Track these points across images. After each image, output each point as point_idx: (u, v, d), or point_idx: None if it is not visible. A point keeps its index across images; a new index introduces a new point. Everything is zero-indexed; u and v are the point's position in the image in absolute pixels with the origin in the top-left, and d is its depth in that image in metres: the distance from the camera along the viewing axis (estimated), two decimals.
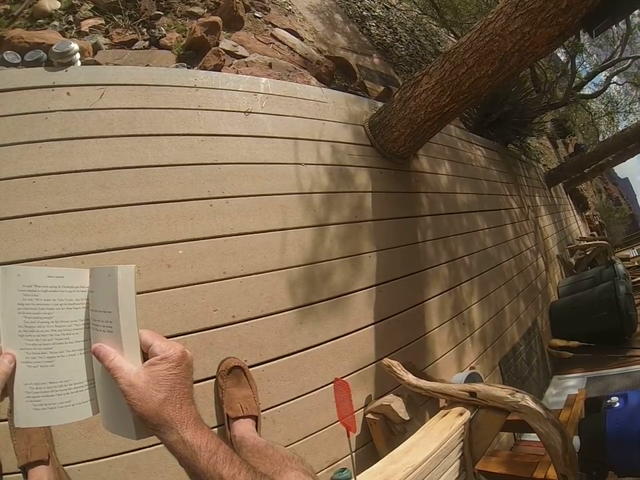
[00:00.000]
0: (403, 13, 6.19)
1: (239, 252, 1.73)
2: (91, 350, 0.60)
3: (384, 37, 4.99)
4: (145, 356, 0.61)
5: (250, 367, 1.60)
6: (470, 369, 2.49)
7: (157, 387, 0.57)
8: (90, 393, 0.62)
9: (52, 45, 2.28)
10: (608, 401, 2.16)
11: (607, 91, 8.98)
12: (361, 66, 3.81)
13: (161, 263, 1.57)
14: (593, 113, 9.90)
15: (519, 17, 1.89)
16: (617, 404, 2.12)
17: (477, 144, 4.28)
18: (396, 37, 5.32)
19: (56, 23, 2.93)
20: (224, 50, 2.57)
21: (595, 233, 10.93)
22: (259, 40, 2.98)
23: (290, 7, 4.03)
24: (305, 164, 2.10)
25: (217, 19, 2.70)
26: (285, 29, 3.34)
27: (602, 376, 3.40)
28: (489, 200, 4.00)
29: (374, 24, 5.11)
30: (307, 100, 2.32)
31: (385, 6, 5.86)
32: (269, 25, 3.30)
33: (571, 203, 9.44)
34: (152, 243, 1.59)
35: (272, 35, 3.16)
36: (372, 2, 5.60)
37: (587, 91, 8.83)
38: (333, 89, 2.73)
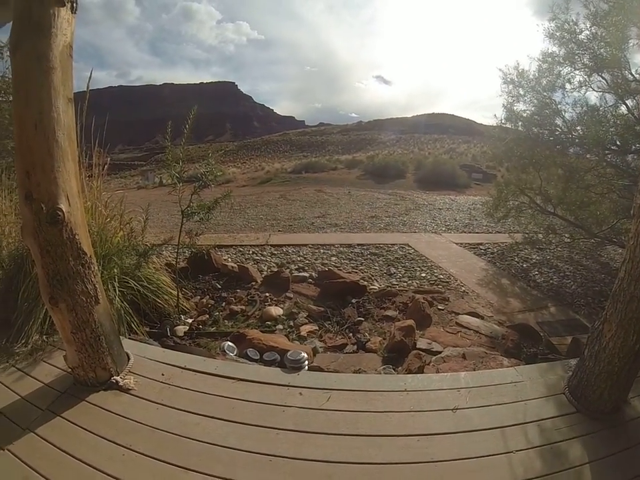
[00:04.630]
0: (555, 246, 6.43)
1: None
2: None
3: (550, 281, 5.17)
4: None
5: None
6: None
7: None
8: None
9: (283, 349, 2.91)
10: None
11: None
12: (542, 322, 3.88)
13: None
14: None
15: None
16: None
17: None
18: (560, 274, 5.49)
19: (280, 326, 3.70)
20: (421, 350, 2.99)
21: None
22: (447, 332, 3.42)
23: (463, 288, 4.61)
24: (516, 451, 2.07)
25: (411, 322, 3.21)
26: (466, 314, 3.80)
27: None
28: None
29: (537, 272, 5.41)
30: (505, 384, 2.44)
31: (538, 249, 6.22)
32: (452, 314, 3.80)
33: None
34: None
35: (457, 324, 3.60)
36: (525, 251, 5.99)
37: None
38: (524, 359, 2.86)
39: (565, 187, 5.49)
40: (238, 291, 4.50)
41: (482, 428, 2.14)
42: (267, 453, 1.95)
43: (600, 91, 5.20)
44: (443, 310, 3.85)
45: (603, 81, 5.09)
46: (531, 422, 2.22)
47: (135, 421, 2.19)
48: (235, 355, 3.02)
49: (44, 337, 3.03)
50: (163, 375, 2.59)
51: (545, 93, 5.58)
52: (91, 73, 3.54)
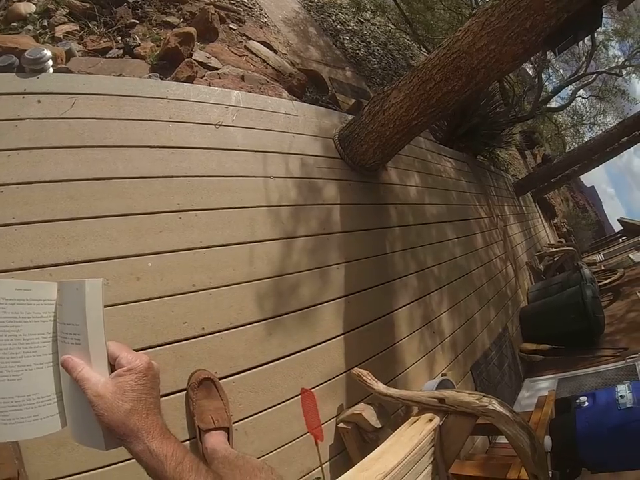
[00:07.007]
0: (377, 27, 6.30)
1: (207, 265, 1.74)
2: (60, 362, 0.61)
3: (357, 51, 5.10)
4: (112, 367, 0.62)
5: (220, 378, 1.61)
6: (441, 376, 2.54)
7: (123, 397, 0.58)
8: (58, 405, 0.62)
9: (25, 51, 2.25)
10: (577, 401, 2.22)
11: (572, 104, 9.41)
12: (334, 79, 3.86)
13: (130, 276, 1.56)
14: (559, 125, 10.31)
15: (485, 35, 1.99)
16: (586, 403, 2.18)
17: (447, 156, 4.40)
18: (369, 50, 5.45)
19: (30, 27, 2.87)
20: (197, 61, 2.59)
21: (562, 239, 11.24)
22: (232, 52, 3.01)
23: (265, 20, 4.08)
24: (274, 177, 2.11)
25: (192, 29, 2.71)
26: (259, 42, 3.39)
27: (573, 377, 3.49)
28: (458, 210, 4.10)
29: (347, 37, 5.22)
30: (278, 113, 2.35)
31: (360, 20, 5.99)
32: (244, 37, 3.34)
33: (539, 211, 9.71)
34: (121, 256, 1.58)
35: (246, 47, 3.19)
36: (346, 16, 5.72)
37: (553, 104, 9.21)
38: (305, 101, 2.77)
39: None
40: None
41: (244, 149, 2.09)
42: None
43: None
44: (234, 30, 3.44)
45: None
46: (295, 154, 2.25)
47: None
48: None
49: None
50: None
51: None
52: None
